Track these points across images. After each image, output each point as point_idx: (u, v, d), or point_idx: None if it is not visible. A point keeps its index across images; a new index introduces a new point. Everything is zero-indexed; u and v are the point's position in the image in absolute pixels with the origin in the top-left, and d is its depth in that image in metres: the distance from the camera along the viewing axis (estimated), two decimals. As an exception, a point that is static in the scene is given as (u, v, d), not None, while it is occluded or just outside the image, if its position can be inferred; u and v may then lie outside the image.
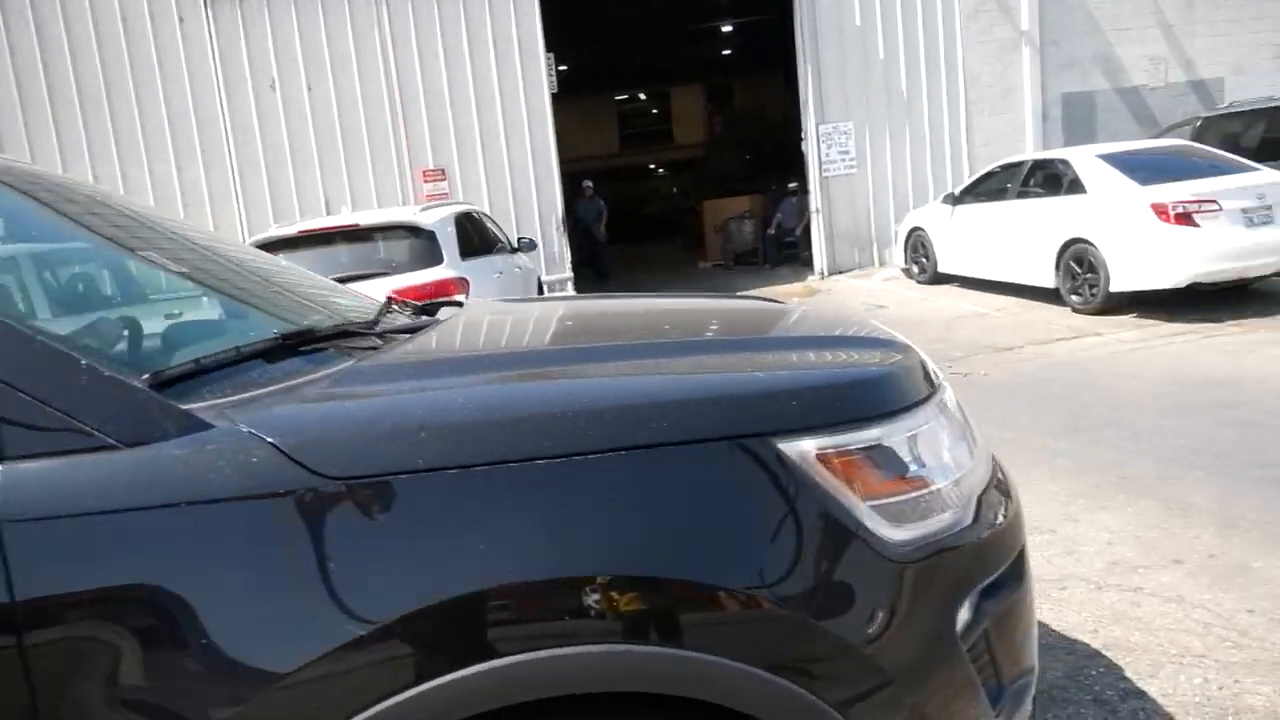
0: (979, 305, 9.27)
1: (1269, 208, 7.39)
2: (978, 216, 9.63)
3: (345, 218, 6.91)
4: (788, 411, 1.35)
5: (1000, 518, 1.64)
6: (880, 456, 1.41)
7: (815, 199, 12.51)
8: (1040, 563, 3.36)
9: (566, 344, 1.90)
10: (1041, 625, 2.92)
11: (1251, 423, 4.69)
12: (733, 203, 16.30)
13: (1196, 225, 7.30)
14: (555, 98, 12.11)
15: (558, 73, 16.53)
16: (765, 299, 2.54)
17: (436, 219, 6.77)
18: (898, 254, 11.44)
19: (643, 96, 28.83)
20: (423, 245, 6.60)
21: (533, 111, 11.60)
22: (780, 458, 1.32)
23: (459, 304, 2.48)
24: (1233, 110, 10.10)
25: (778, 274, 13.80)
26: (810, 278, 12.74)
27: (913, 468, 1.44)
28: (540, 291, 9.92)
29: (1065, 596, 3.08)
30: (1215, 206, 7.30)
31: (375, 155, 11.48)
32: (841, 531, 1.33)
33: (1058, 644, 2.80)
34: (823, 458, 1.35)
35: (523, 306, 2.43)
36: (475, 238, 7.99)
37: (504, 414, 1.28)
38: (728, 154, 25.29)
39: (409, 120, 11.43)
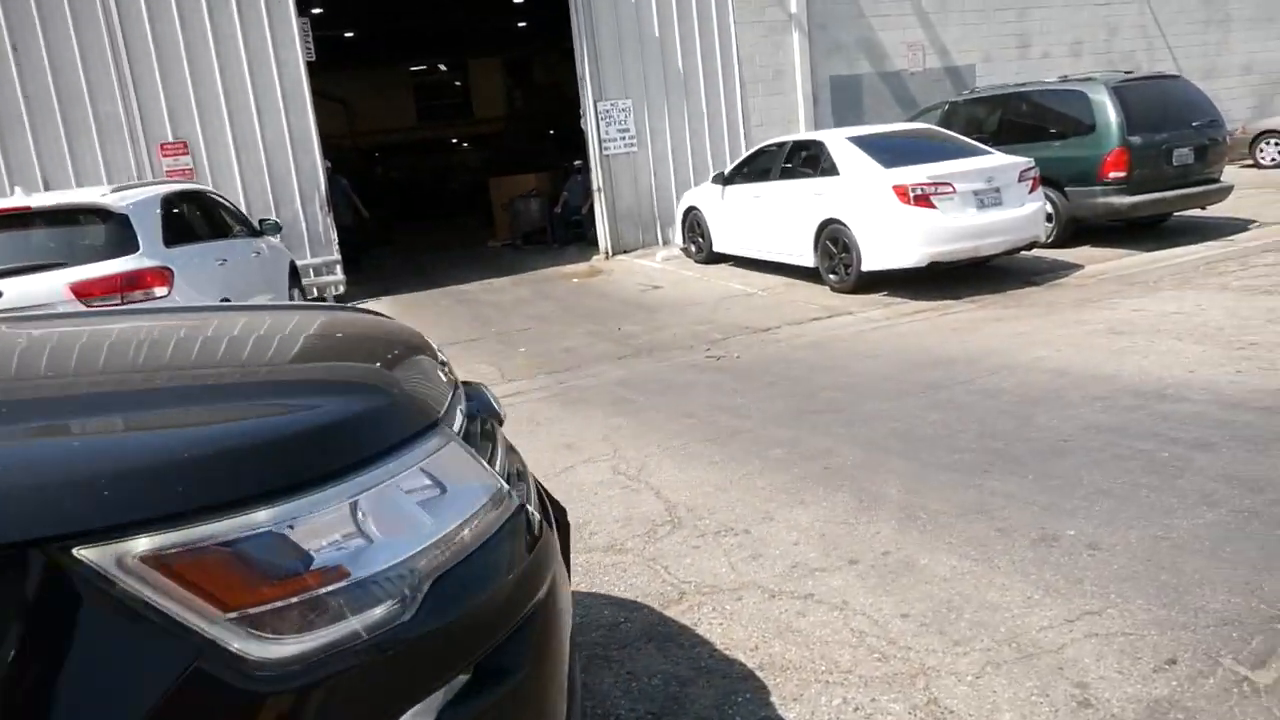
0: (748, 285, 9.34)
1: (997, 190, 7.78)
2: (746, 197, 9.69)
3: (15, 199, 5.96)
4: (93, 504, 0.98)
5: (505, 577, 1.34)
6: (263, 549, 1.07)
7: (597, 177, 12.27)
8: (725, 570, 3.21)
9: None
10: (706, 644, 2.76)
11: (958, 404, 4.81)
12: (520, 180, 15.80)
13: (934, 207, 7.57)
14: (341, 66, 11.19)
15: (342, 39, 15.41)
16: (329, 306, 2.16)
17: (132, 201, 5.97)
18: (678, 233, 11.40)
19: (442, 68, 27.65)
20: (114, 231, 5.80)
21: (287, 80, 10.63)
22: (81, 571, 0.96)
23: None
24: (976, 96, 10.67)
25: (565, 253, 13.50)
26: (595, 257, 12.52)
27: (326, 555, 1.11)
28: (295, 276, 9.14)
29: (738, 609, 2.93)
30: (950, 189, 7.60)
31: (101, 125, 10.17)
32: (171, 663, 0.98)
33: (716, 667, 2.63)
34: (158, 561, 1.00)
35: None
36: (197, 221, 7.19)
37: None
38: (528, 129, 24.69)
39: (140, 87, 10.19)
